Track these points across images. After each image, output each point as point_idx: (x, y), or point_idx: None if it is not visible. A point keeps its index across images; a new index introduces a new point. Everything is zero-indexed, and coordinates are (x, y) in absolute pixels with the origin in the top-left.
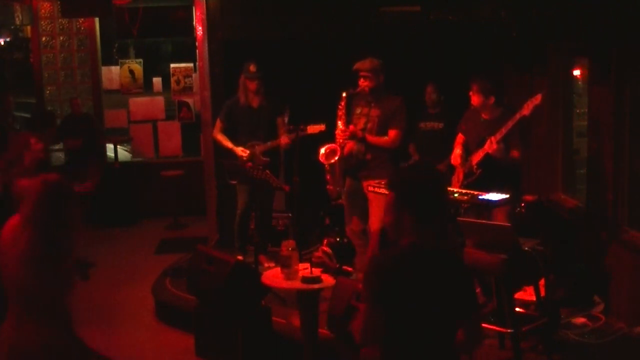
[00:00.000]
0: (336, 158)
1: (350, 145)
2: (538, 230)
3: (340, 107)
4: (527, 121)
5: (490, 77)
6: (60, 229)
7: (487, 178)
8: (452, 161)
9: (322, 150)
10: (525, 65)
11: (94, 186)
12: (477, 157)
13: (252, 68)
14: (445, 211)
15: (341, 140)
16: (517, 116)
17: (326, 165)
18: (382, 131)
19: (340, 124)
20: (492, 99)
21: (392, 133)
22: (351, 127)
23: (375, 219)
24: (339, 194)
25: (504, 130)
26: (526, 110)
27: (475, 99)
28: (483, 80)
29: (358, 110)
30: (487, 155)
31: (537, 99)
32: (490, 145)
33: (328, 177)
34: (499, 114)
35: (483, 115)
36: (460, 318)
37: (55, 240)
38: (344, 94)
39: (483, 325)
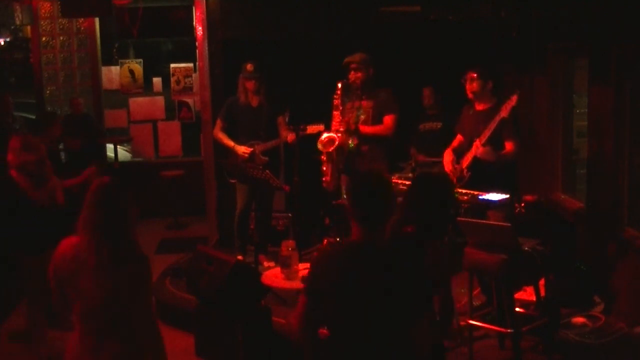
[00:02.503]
0: (334, 147)
1: (343, 137)
2: (538, 230)
3: (335, 96)
4: (517, 114)
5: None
6: (121, 230)
7: (480, 181)
8: (445, 166)
9: (323, 137)
10: (525, 65)
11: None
12: (465, 161)
13: (249, 67)
14: (380, 207)
15: (336, 130)
16: (497, 118)
17: (323, 155)
18: (377, 121)
19: (336, 113)
20: (490, 84)
21: (388, 119)
22: (346, 119)
23: None
24: (336, 187)
25: (487, 133)
26: (504, 112)
27: (475, 86)
28: (480, 65)
29: (349, 105)
30: (476, 158)
31: (513, 100)
32: (477, 149)
33: (324, 167)
34: (494, 105)
35: (477, 106)
36: (400, 319)
37: (120, 243)
38: (339, 85)
39: (483, 325)
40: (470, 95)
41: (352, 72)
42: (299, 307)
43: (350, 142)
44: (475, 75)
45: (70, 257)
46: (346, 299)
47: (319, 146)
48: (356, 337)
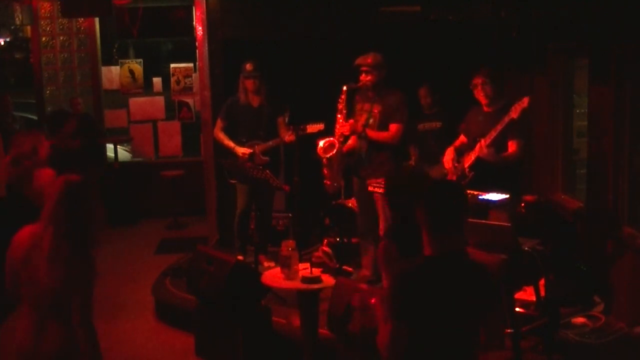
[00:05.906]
0: (334, 152)
1: (351, 141)
2: (538, 230)
3: (340, 100)
4: (528, 115)
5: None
6: (82, 227)
7: (482, 180)
8: (445, 164)
9: (321, 144)
10: (525, 65)
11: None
12: (468, 161)
13: (249, 67)
14: (460, 217)
15: (339, 134)
16: (506, 119)
17: (324, 159)
18: (383, 126)
19: (340, 118)
20: (497, 85)
21: (393, 127)
22: (351, 121)
23: (381, 217)
24: (337, 190)
25: (493, 133)
26: (514, 113)
27: (488, 89)
28: (488, 67)
29: (359, 107)
30: (478, 158)
31: (525, 102)
32: (481, 150)
33: (325, 171)
34: (501, 106)
35: (486, 108)
36: (482, 318)
37: (78, 238)
38: (344, 88)
39: None
40: (485, 101)
41: (363, 75)
42: (387, 334)
43: (359, 147)
44: (486, 79)
45: (25, 243)
46: (448, 315)
47: (319, 152)
48: (453, 347)
